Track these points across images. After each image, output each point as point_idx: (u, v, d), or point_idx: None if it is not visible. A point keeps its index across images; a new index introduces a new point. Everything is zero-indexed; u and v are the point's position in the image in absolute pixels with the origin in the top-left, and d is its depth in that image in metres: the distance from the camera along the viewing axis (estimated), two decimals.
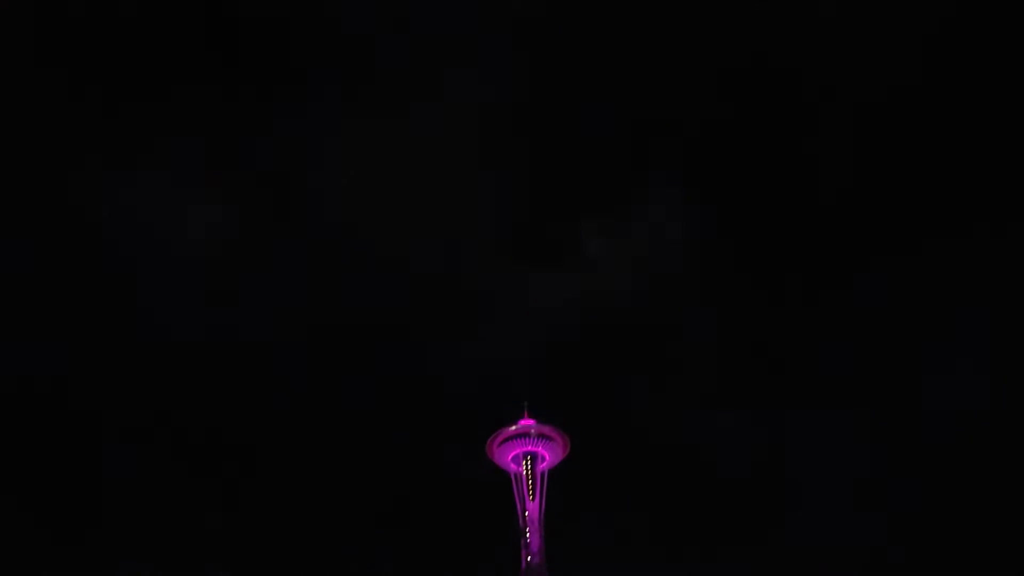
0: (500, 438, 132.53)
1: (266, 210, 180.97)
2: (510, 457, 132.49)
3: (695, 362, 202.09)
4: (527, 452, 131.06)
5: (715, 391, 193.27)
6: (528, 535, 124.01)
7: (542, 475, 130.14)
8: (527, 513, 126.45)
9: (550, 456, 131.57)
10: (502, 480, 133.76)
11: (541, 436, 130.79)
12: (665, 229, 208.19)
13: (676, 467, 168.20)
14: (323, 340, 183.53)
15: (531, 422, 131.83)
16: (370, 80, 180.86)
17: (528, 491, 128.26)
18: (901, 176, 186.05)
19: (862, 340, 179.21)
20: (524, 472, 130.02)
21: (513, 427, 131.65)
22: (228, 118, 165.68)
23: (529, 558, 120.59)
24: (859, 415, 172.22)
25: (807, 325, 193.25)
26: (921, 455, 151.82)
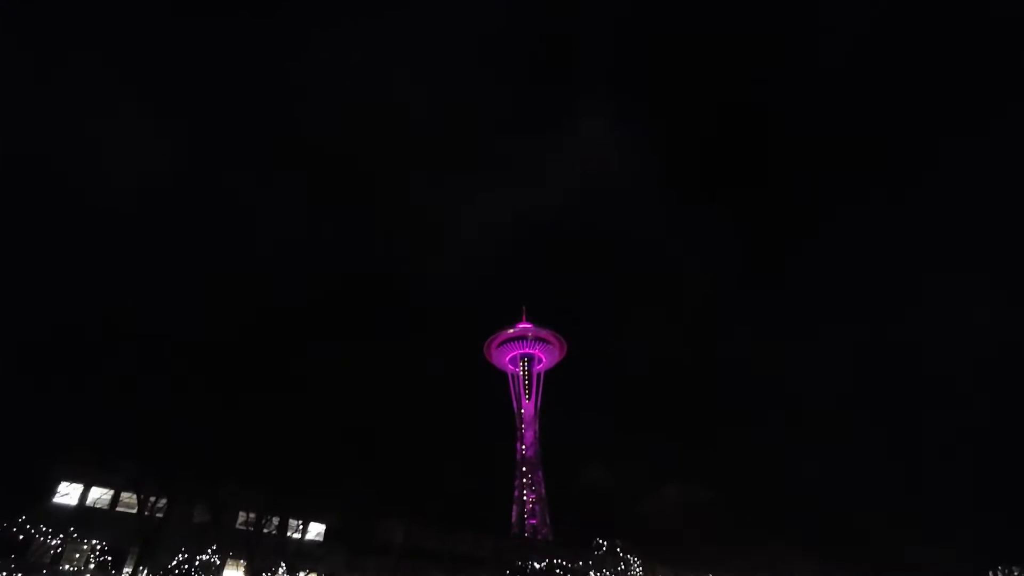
0: (498, 340, 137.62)
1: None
2: (508, 359, 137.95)
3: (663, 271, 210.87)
4: (524, 353, 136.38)
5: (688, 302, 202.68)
6: (523, 430, 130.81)
7: (538, 376, 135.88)
8: (523, 411, 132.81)
9: (546, 358, 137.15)
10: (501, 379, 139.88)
11: (538, 339, 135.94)
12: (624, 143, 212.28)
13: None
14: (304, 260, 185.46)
15: (529, 325, 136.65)
16: None
17: (524, 390, 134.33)
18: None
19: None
20: (521, 372, 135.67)
21: (511, 330, 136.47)
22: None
23: (524, 449, 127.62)
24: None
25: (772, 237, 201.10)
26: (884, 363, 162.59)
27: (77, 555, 45.18)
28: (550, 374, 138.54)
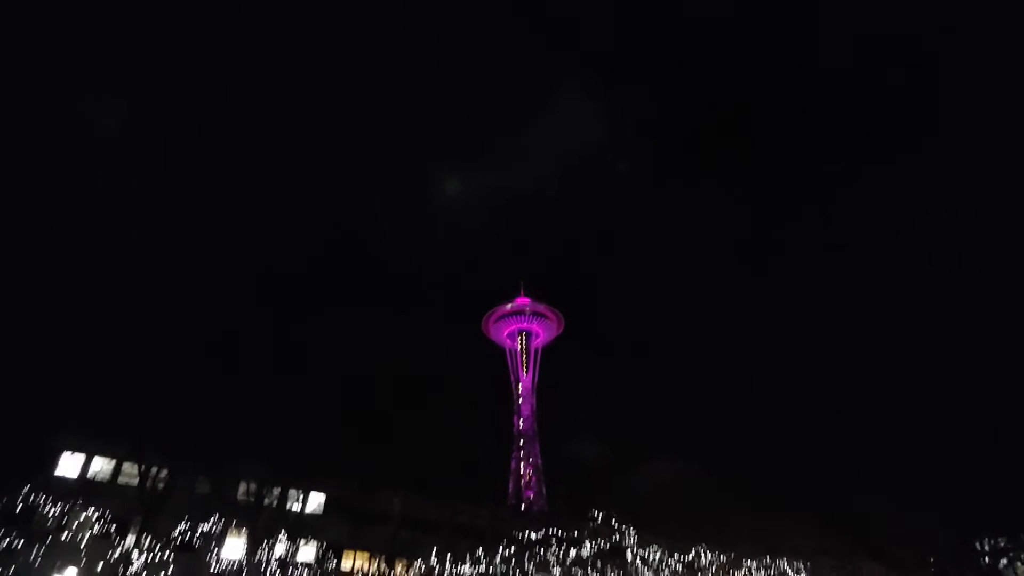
0: (496, 315, 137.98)
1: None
2: (505, 333, 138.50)
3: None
4: (522, 329, 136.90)
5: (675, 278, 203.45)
6: (521, 403, 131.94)
7: (536, 351, 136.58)
8: (520, 385, 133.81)
9: (544, 333, 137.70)
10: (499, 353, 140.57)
11: (536, 314, 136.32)
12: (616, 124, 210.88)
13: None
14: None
15: (527, 300, 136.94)
16: None
17: (522, 365, 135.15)
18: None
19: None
20: (519, 348, 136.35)
21: (509, 305, 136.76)
22: None
23: (521, 422, 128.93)
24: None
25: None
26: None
27: (77, 524, 45.88)
28: (547, 349, 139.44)
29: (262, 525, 49.93)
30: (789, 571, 69.64)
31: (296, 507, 54.56)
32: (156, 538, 45.33)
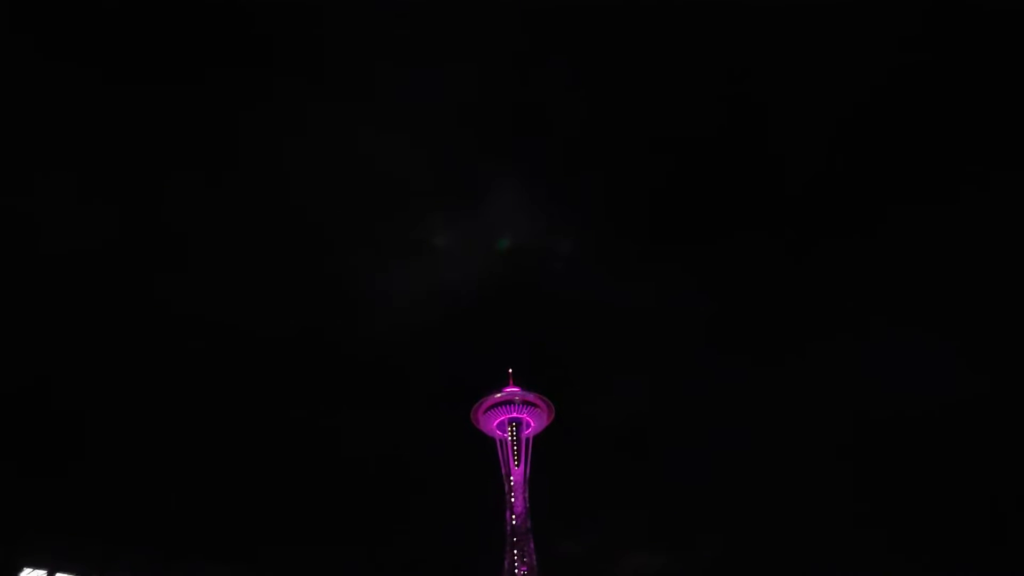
0: (485, 405, 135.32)
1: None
2: (495, 424, 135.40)
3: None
4: (512, 418, 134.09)
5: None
6: (512, 498, 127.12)
7: (527, 440, 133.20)
8: (512, 477, 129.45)
9: (535, 422, 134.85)
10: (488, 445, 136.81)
11: (526, 403, 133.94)
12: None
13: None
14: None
15: (516, 389, 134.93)
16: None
17: (513, 456, 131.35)
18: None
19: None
20: (509, 438, 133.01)
21: (498, 394, 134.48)
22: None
23: (514, 519, 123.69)
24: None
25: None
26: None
27: None
28: (539, 438, 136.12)
29: None
30: None
31: None
32: None
